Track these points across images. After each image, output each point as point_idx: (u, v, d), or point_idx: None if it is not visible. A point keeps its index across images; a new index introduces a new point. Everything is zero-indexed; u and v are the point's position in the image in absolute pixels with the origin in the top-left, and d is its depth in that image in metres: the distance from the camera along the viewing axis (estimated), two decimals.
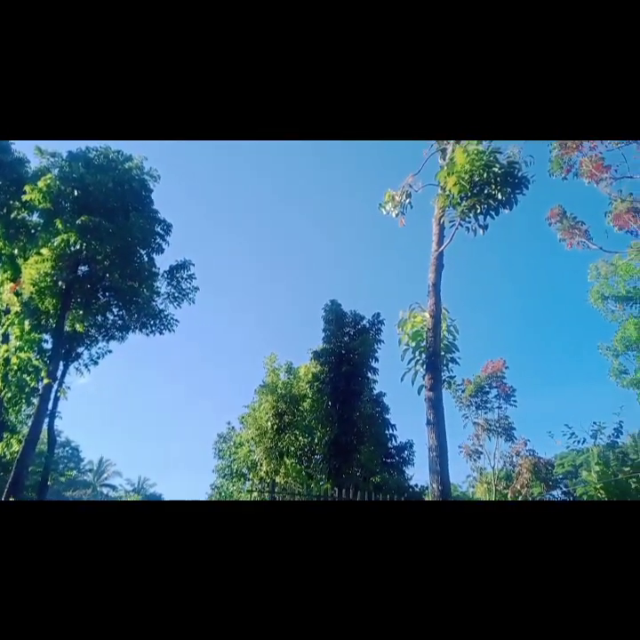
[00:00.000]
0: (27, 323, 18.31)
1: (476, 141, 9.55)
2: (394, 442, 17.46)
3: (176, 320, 21.00)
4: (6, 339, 19.29)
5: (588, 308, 22.97)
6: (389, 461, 17.56)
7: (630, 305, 21.82)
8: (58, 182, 17.56)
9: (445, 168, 10.16)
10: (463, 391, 18.15)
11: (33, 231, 19.00)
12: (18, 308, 18.36)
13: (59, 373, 19.27)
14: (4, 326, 19.01)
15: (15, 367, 18.12)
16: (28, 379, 18.14)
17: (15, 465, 15.98)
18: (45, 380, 17.64)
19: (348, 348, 16.39)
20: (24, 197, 17.51)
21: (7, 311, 19.23)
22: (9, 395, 18.35)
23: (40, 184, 17.21)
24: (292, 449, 17.67)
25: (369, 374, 16.68)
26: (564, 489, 18.19)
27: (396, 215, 11.42)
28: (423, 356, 10.63)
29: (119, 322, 20.74)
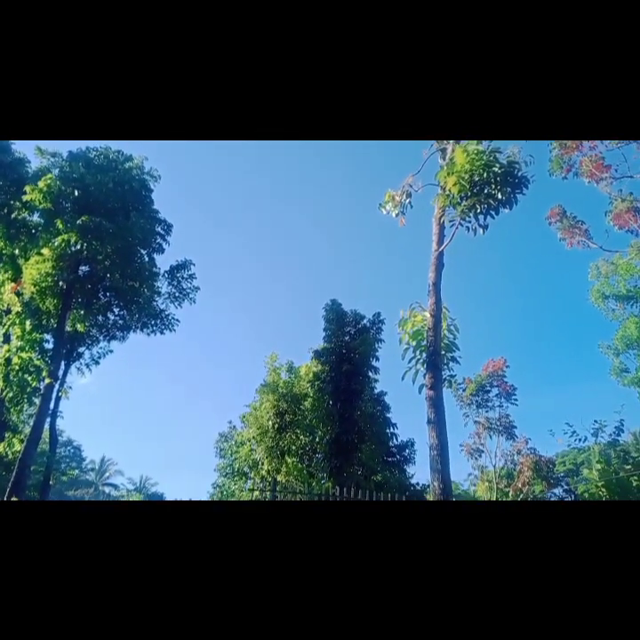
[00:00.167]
0: (28, 323, 18.33)
1: (475, 141, 9.55)
2: (395, 440, 17.49)
3: (177, 320, 21.04)
4: (8, 339, 19.31)
5: (588, 306, 23.04)
6: (390, 460, 17.59)
7: (631, 304, 21.83)
8: (58, 182, 17.56)
9: (445, 168, 10.16)
10: (464, 390, 18.15)
11: (33, 231, 18.99)
12: (19, 309, 18.38)
13: (60, 373, 19.29)
14: (6, 326, 19.04)
15: (17, 367, 18.13)
16: (29, 379, 18.16)
17: (17, 464, 16.00)
18: (47, 380, 17.65)
19: (348, 348, 16.42)
20: (24, 197, 17.50)
21: (8, 311, 19.25)
22: (11, 394, 18.37)
23: (40, 184, 17.21)
24: (294, 448, 17.69)
25: (370, 373, 16.72)
26: (566, 487, 18.21)
27: (397, 215, 11.43)
28: (424, 354, 10.64)
29: (120, 322, 20.74)
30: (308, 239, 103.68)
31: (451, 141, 10.93)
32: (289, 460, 17.49)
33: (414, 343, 11.15)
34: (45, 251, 17.14)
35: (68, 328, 18.88)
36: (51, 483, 21.07)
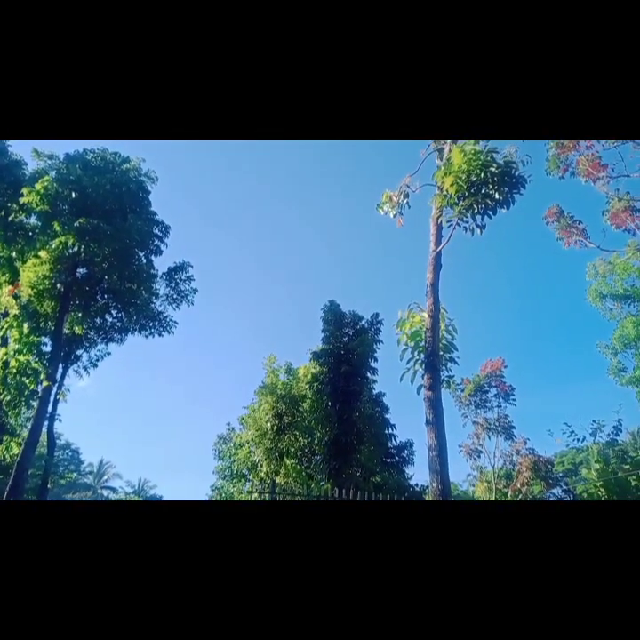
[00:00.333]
0: (25, 325, 18.28)
1: (473, 141, 9.56)
2: (394, 441, 17.49)
3: (175, 322, 21.02)
4: (5, 342, 19.26)
5: (586, 306, 23.09)
6: (389, 461, 17.60)
7: (628, 303, 21.90)
8: (55, 184, 17.53)
9: (442, 168, 10.16)
10: (462, 390, 18.17)
11: (31, 234, 18.95)
12: (16, 311, 18.33)
13: (58, 376, 19.24)
14: (3, 329, 18.98)
15: (14, 370, 18.09)
16: (27, 381, 18.11)
17: (15, 468, 15.94)
18: (45, 383, 17.60)
19: (347, 349, 16.40)
20: (21, 200, 17.48)
21: (6, 314, 19.21)
22: (8, 398, 18.32)
23: (37, 186, 17.18)
24: (292, 449, 17.67)
25: (368, 374, 16.69)
26: (565, 487, 18.23)
27: (394, 216, 11.44)
28: (422, 355, 10.64)
29: (118, 324, 20.71)
30: (305, 240, 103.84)
31: (448, 141, 10.94)
32: (288, 462, 17.47)
33: (412, 344, 11.16)
34: (43, 253, 17.10)
35: (65, 330, 18.84)
36: (49, 486, 21.01)
